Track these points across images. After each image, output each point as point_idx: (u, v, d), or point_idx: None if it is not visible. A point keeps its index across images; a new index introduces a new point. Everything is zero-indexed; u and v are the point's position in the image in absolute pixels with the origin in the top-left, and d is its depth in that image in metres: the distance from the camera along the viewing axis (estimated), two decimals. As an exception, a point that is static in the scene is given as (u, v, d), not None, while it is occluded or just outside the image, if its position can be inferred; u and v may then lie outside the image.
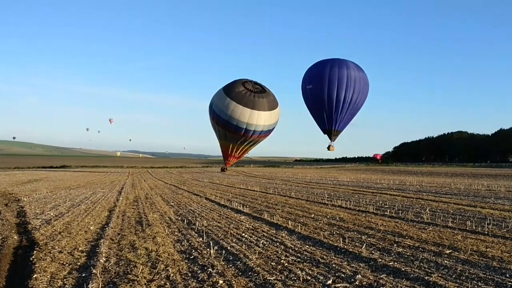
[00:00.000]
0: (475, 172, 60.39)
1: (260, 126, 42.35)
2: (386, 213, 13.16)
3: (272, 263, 6.78)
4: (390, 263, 6.69)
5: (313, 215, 12.73)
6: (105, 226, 10.76)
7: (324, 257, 7.22)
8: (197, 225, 10.82)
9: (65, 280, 5.93)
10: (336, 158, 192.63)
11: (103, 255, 7.36)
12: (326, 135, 44.45)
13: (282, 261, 6.93)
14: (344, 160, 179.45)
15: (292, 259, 7.06)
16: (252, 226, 10.79)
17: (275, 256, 7.32)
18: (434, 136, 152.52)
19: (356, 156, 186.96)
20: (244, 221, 11.70)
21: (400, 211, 13.49)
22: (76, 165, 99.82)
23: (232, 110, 40.75)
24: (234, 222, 11.53)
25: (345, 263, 6.80)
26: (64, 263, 6.90)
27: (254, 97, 41.85)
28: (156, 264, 6.71)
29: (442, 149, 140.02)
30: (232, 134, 42.13)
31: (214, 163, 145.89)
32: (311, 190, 24.30)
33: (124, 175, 50.36)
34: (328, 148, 47.47)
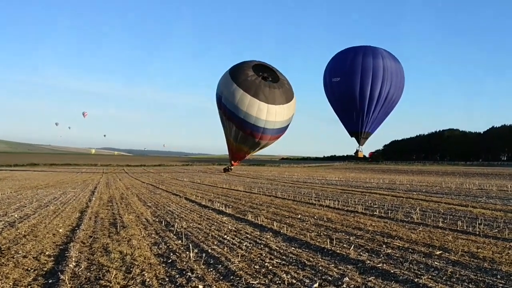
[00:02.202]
0: (466, 171, 61.50)
1: (271, 123, 36.59)
2: (375, 213, 13.29)
3: (255, 267, 6.76)
4: (379, 265, 6.75)
5: (299, 216, 12.77)
6: (76, 228, 10.59)
7: (311, 259, 7.24)
8: (176, 226, 10.74)
9: (29, 287, 5.80)
10: (324, 156, 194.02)
11: (73, 259, 7.24)
12: (353, 137, 40.33)
13: (266, 264, 6.92)
14: (333, 158, 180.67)
15: (276, 262, 7.06)
16: (235, 227, 10.75)
17: (259, 259, 7.30)
18: (425, 134, 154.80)
19: (345, 154, 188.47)
20: (226, 222, 11.66)
21: (389, 211, 13.63)
22: (44, 163, 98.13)
23: (239, 99, 35.41)
24: (215, 223, 11.48)
25: (332, 265, 6.83)
26: (29, 268, 6.75)
27: (265, 86, 35.96)
28: (131, 269, 6.62)
29: (433, 148, 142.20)
30: (239, 130, 36.94)
31: (195, 161, 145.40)
32: (298, 189, 24.39)
33: (97, 174, 49.74)
34: (356, 153, 44.52)
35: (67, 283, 5.82)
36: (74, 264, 6.95)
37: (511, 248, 8.00)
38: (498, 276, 6.12)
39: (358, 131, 36.88)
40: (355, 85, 34.04)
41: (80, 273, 6.42)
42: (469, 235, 9.36)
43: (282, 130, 38.83)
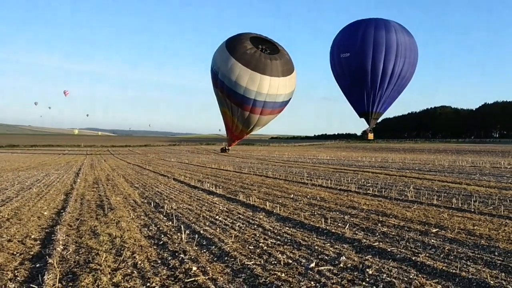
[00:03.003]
0: (458, 148, 62.31)
1: (273, 97, 35.15)
2: (368, 191, 13.39)
3: (250, 247, 6.76)
4: (375, 244, 6.80)
5: (292, 195, 12.81)
6: (61, 211, 10.50)
7: (306, 239, 7.27)
8: (165, 208, 10.70)
9: (16, 272, 5.73)
10: (314, 135, 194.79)
11: (60, 243, 7.17)
12: (362, 118, 37.90)
13: (260, 244, 6.93)
14: (323, 137, 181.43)
15: (271, 242, 7.08)
16: (226, 208, 10.75)
17: (253, 239, 7.31)
18: (417, 112, 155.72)
19: (336, 133, 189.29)
20: (217, 203, 11.66)
21: (383, 190, 13.75)
22: (25, 145, 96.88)
23: (238, 75, 33.73)
24: (206, 204, 11.46)
25: (328, 244, 6.86)
26: (15, 252, 6.67)
27: (266, 58, 34.36)
28: (121, 251, 6.58)
29: (425, 125, 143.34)
30: (238, 107, 35.62)
31: (183, 141, 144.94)
32: (289, 169, 24.47)
33: (81, 155, 49.32)
34: (365, 134, 42.59)
35: (56, 266, 5.76)
36: (61, 247, 6.88)
37: (507, 225, 8.12)
38: (496, 253, 6.21)
39: (368, 111, 35.08)
40: (366, 61, 32.03)
41: (68, 257, 6.36)
42: (464, 213, 9.47)
43: (283, 104, 37.43)
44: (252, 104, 34.78)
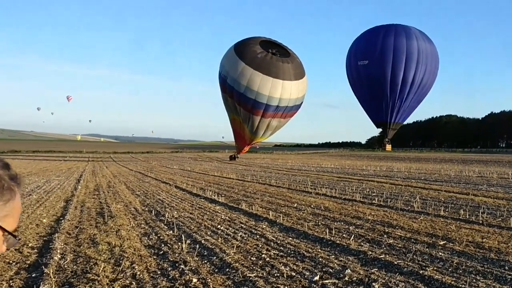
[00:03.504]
0: (465, 158, 61.89)
1: (285, 101, 34.07)
2: (374, 201, 13.25)
3: (252, 258, 6.65)
4: (381, 256, 6.67)
5: (295, 205, 12.69)
6: (61, 218, 10.41)
7: (310, 250, 7.14)
8: (166, 216, 10.60)
9: (11, 281, 5.63)
10: (319, 143, 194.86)
11: (58, 251, 7.07)
12: (380, 128, 36.35)
13: (263, 255, 6.81)
14: (327, 145, 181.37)
15: (274, 253, 6.96)
16: (228, 217, 10.65)
17: (255, 250, 7.19)
18: (422, 120, 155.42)
19: (340, 141, 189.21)
20: (219, 211, 11.55)
21: (388, 199, 13.60)
22: (27, 150, 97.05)
23: (249, 80, 32.60)
24: (208, 213, 11.36)
25: (333, 256, 6.74)
26: (11, 261, 6.58)
27: (277, 61, 33.35)
28: (120, 261, 6.48)
29: (430, 134, 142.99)
30: (249, 113, 34.52)
31: (185, 148, 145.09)
32: (293, 177, 24.34)
33: (83, 162, 49.35)
34: (383, 145, 41.02)
35: (52, 277, 5.66)
36: (59, 256, 6.79)
37: (517, 238, 7.96)
38: (506, 268, 6.06)
39: (386, 121, 34.44)
40: (386, 69, 30.93)
41: (65, 266, 6.26)
42: (472, 224, 9.33)
43: (296, 108, 36.60)
44: (264, 109, 33.87)
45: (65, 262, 6.46)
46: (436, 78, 33.05)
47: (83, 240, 8.05)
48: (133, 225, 9.60)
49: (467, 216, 10.29)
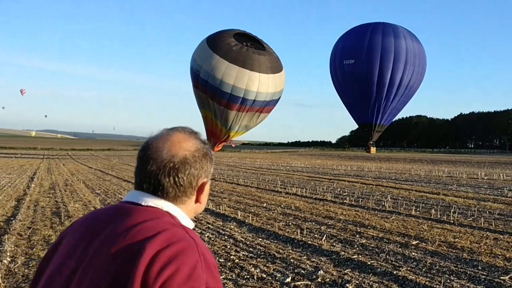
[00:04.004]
0: (434, 158, 63.67)
1: (263, 95, 33.17)
2: (345, 201, 13.36)
3: (220, 260, 6.52)
4: (354, 256, 6.68)
5: (265, 204, 12.64)
6: (11, 218, 9.97)
7: (281, 251, 7.08)
8: (128, 216, 10.31)
9: (-43, 286, 5.32)
10: (288, 142, 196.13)
11: (8, 254, 6.73)
12: (365, 130, 35.33)
13: (232, 257, 6.70)
14: (297, 144, 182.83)
15: (243, 255, 6.86)
16: (195, 217, 10.45)
17: (223, 251, 7.08)
18: (393, 120, 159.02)
19: (310, 140, 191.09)
20: (184, 211, 11.35)
21: (360, 199, 13.75)
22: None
23: (224, 73, 31.81)
24: (173, 212, 11.14)
25: (305, 257, 6.70)
26: (-43, 264, 6.22)
27: (254, 53, 32.60)
28: (78, 264, 6.22)
29: (400, 134, 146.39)
30: (225, 107, 33.46)
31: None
32: (262, 176, 24.34)
33: (37, 159, 47.85)
34: (368, 149, 40.51)
35: (1, 282, 5.38)
36: (9, 259, 6.46)
37: (488, 237, 8.16)
38: (479, 268, 6.18)
39: (372, 122, 33.48)
40: (373, 69, 30.35)
41: (16, 270, 5.96)
42: (444, 224, 9.52)
43: (274, 103, 35.63)
44: (241, 103, 32.91)
45: (16, 266, 6.16)
46: (423, 79, 33.13)
47: (37, 241, 7.71)
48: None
49: (439, 216, 10.50)
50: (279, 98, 36.15)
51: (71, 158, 50.81)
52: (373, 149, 37.86)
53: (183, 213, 1.34)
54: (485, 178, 23.58)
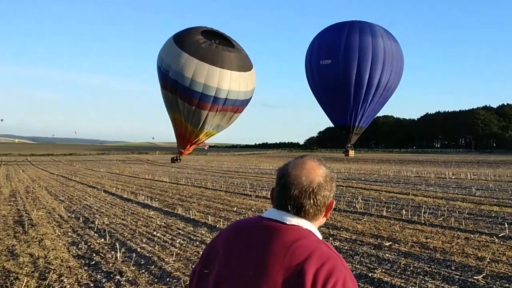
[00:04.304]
0: (401, 158, 65.13)
1: (234, 93, 32.95)
2: (317, 203, 13.49)
3: (193, 266, 6.49)
4: (329, 260, 6.77)
5: (235, 208, 12.66)
6: (-28, 228, 9.64)
7: (255, 256, 7.10)
8: (96, 223, 10.15)
9: None
10: (255, 144, 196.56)
11: (-29, 266, 6.52)
12: (343, 132, 34.41)
13: (206, 263, 6.68)
14: (265, 146, 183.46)
15: (217, 260, 6.84)
16: (164, 222, 10.40)
17: (195, 257, 7.06)
18: (370, 122, 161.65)
19: (278, 142, 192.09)
20: (154, 217, 11.26)
21: (331, 201, 13.92)
22: None
23: (194, 71, 31.22)
24: (142, 218, 11.04)
25: (280, 261, 6.74)
26: None
27: (224, 51, 32.38)
28: (46, 274, 6.08)
29: (367, 134, 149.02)
30: (195, 107, 32.97)
31: (112, 149, 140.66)
32: (230, 180, 24.32)
33: (-5, 165, 46.30)
34: (346, 152, 39.86)
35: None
36: (-28, 271, 6.26)
37: (460, 237, 8.43)
38: (453, 268, 6.38)
39: (350, 125, 32.92)
40: (351, 70, 29.76)
41: (-20, 283, 5.78)
42: (415, 225, 9.77)
43: (246, 102, 35.75)
44: (212, 102, 32.77)
45: (-20, 278, 5.96)
46: (401, 79, 32.62)
47: (1, 252, 7.49)
48: (59, 233, 9.09)
49: (410, 216, 10.77)
50: (251, 97, 36.18)
51: (31, 164, 49.40)
52: (351, 152, 37.84)
53: (315, 228, 1.61)
54: (453, 177, 24.31)
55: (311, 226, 1.59)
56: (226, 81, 32.18)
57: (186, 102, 32.97)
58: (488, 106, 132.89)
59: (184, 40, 32.78)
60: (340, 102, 30.79)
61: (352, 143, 34.53)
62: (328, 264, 1.43)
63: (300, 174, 1.60)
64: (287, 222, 1.55)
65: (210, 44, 32.54)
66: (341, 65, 29.66)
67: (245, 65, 34.10)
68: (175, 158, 47.21)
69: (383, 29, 31.74)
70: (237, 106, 34.93)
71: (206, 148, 37.96)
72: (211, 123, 35.10)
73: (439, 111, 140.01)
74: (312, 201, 1.57)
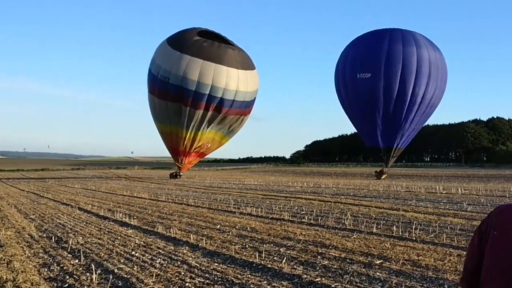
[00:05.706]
0: (391, 173, 65.53)
1: (232, 93, 31.24)
2: (304, 220, 13.51)
3: (174, 288, 6.42)
4: (317, 279, 6.76)
5: (218, 226, 12.57)
6: None
7: (239, 276, 7.06)
8: (70, 243, 9.98)
9: None
10: (239, 158, 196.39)
11: None
12: (380, 155, 32.50)
13: (187, 284, 6.62)
14: (249, 160, 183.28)
15: (199, 281, 6.78)
16: (143, 242, 10.27)
17: (177, 278, 6.97)
18: (348, 134, 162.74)
19: (263, 156, 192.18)
20: (132, 236, 11.13)
21: (319, 217, 13.93)
22: None
23: (187, 68, 29.88)
24: (119, 237, 10.89)
25: (265, 282, 6.71)
26: None
27: (219, 46, 31.31)
28: (14, 299, 5.94)
29: (355, 148, 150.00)
30: (189, 109, 31.34)
31: (88, 164, 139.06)
32: (213, 196, 24.20)
33: (-39, 181, 45.40)
34: (379, 175, 38.74)
35: None
36: None
37: (452, 254, 8.48)
38: (446, 286, 6.41)
39: (391, 146, 30.83)
40: (393, 85, 27.38)
41: None
42: (406, 241, 9.81)
43: (246, 105, 34.04)
44: (207, 101, 31.61)
45: None
46: (444, 94, 30.63)
47: (-35, 275, 7.29)
48: (29, 254, 8.91)
49: (400, 233, 10.82)
50: (254, 100, 35.16)
51: None
52: (385, 176, 36.51)
53: None
54: (444, 192, 24.54)
55: None
56: (222, 78, 31.03)
57: (192, 107, 31.76)
58: (478, 119, 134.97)
59: (182, 42, 31.88)
60: (379, 121, 28.81)
61: (389, 167, 32.40)
62: None
63: None
64: None
65: (211, 43, 31.76)
66: (383, 79, 27.78)
67: (245, 63, 33.37)
68: (174, 174, 46.47)
69: (425, 37, 29.82)
70: (237, 108, 33.81)
71: (206, 148, 36.98)
72: (208, 127, 34.08)
73: (428, 124, 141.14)
74: None
